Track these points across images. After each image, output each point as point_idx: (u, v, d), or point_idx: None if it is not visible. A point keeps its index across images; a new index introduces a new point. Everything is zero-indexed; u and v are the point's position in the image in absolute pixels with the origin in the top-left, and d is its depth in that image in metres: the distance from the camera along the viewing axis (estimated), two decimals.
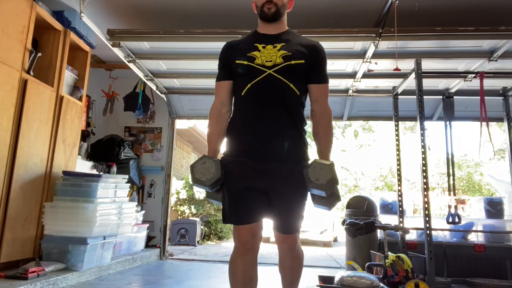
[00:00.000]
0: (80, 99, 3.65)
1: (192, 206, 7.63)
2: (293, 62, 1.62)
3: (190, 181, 1.64)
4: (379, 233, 3.68)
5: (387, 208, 4.32)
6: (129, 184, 3.80)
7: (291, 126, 1.63)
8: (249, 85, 1.61)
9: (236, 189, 1.59)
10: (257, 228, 1.60)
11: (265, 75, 1.59)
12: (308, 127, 2.00)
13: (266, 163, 1.59)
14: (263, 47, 1.65)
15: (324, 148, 1.68)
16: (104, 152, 4.54)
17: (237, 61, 1.65)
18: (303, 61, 1.63)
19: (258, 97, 1.61)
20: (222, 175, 1.59)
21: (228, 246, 6.80)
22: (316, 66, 1.70)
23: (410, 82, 3.40)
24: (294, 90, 1.63)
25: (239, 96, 1.66)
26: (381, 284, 2.75)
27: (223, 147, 1.76)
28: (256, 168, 1.59)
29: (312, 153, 1.67)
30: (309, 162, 1.65)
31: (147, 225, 4.63)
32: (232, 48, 1.73)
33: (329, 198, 1.60)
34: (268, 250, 6.20)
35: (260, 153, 1.60)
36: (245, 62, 1.63)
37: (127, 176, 3.66)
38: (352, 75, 3.89)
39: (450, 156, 3.66)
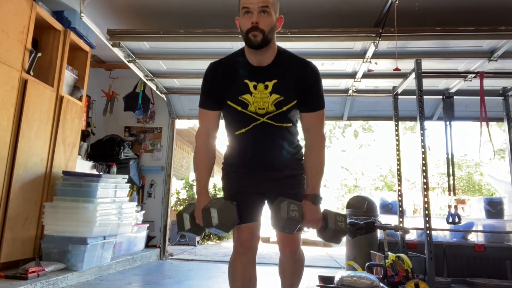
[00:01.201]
0: (80, 99, 3.65)
1: None
2: (285, 108, 1.56)
3: (212, 224, 1.48)
4: (379, 233, 3.68)
5: (387, 208, 4.32)
6: (129, 184, 3.80)
7: (285, 151, 1.67)
8: (243, 130, 1.62)
9: (235, 191, 1.66)
10: (255, 228, 1.63)
11: (259, 123, 1.59)
12: None
13: (263, 172, 1.67)
14: (254, 87, 1.55)
15: (310, 180, 1.60)
16: (104, 152, 4.54)
17: (229, 102, 1.59)
18: (295, 102, 1.58)
19: (252, 139, 1.63)
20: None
21: (228, 246, 6.80)
22: (308, 96, 1.58)
23: (410, 82, 3.40)
24: (287, 126, 1.63)
25: (233, 133, 1.66)
26: (381, 284, 2.75)
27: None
28: (255, 175, 1.67)
29: None
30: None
31: (147, 225, 4.63)
32: (220, 77, 1.59)
33: (324, 232, 1.56)
34: (268, 250, 6.20)
35: (257, 167, 1.67)
36: (239, 108, 1.57)
37: (127, 176, 3.66)
38: (352, 75, 3.90)
39: (450, 156, 3.66)
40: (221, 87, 1.59)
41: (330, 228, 1.53)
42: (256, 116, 1.57)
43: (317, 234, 1.62)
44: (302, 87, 1.56)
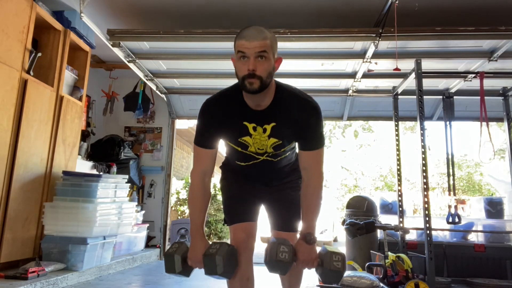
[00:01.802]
0: (80, 99, 3.65)
1: None
2: (282, 150, 1.57)
3: (217, 272, 1.44)
4: (379, 233, 3.68)
5: (387, 208, 4.32)
6: (129, 184, 3.80)
7: (284, 170, 1.70)
8: (242, 164, 1.64)
9: (233, 193, 1.69)
10: (251, 228, 1.64)
11: (258, 161, 1.60)
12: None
13: (261, 184, 1.72)
14: (254, 129, 1.50)
15: (305, 218, 1.54)
16: (104, 152, 4.53)
17: (229, 143, 1.59)
18: (293, 142, 1.58)
19: (252, 169, 1.65)
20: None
21: None
22: (307, 137, 1.52)
23: (410, 82, 3.40)
24: (286, 157, 1.65)
25: (232, 159, 1.67)
26: (381, 284, 2.75)
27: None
28: (254, 184, 1.71)
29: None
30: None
31: (147, 225, 4.63)
32: (218, 118, 1.52)
33: (320, 271, 1.49)
34: None
35: (257, 183, 1.72)
36: (239, 149, 1.57)
37: (127, 176, 3.66)
38: (352, 75, 3.89)
39: (450, 156, 3.66)
40: (219, 129, 1.55)
41: (326, 269, 1.44)
42: (255, 156, 1.58)
43: (316, 272, 1.55)
44: (301, 128, 1.50)
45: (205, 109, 1.55)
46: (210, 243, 1.51)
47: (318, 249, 1.53)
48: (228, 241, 1.62)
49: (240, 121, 1.50)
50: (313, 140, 1.53)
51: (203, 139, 1.56)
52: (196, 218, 1.56)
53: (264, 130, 1.50)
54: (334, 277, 1.46)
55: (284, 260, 1.40)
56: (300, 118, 1.49)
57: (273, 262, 1.40)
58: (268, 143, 1.52)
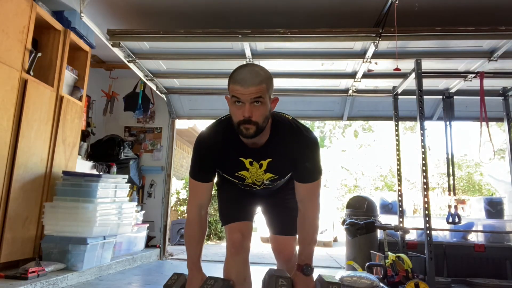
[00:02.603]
0: (80, 99, 3.65)
1: None
2: (278, 182, 1.61)
3: None
4: (379, 233, 3.68)
5: (387, 208, 4.32)
6: (129, 184, 3.80)
7: (282, 188, 1.73)
8: (241, 188, 1.68)
9: (229, 193, 1.70)
10: (246, 228, 1.65)
11: (255, 190, 1.65)
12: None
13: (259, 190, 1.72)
14: (250, 163, 1.51)
15: (303, 248, 1.54)
16: (104, 152, 4.54)
17: (226, 176, 1.61)
18: (289, 175, 1.60)
19: (250, 194, 1.70)
20: None
21: None
22: (304, 170, 1.51)
23: (410, 82, 3.40)
24: (283, 180, 1.66)
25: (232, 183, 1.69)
26: (381, 284, 2.75)
27: None
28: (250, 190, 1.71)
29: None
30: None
31: (147, 225, 4.63)
32: (213, 152, 1.52)
33: None
34: (268, 250, 6.18)
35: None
36: (236, 181, 1.61)
37: (127, 176, 3.66)
38: (352, 75, 3.89)
39: (450, 156, 3.66)
40: (215, 164, 1.56)
41: None
42: (253, 185, 1.62)
43: None
44: (297, 163, 1.50)
45: (200, 145, 1.53)
46: (207, 276, 1.51)
47: (314, 276, 1.53)
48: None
49: (236, 157, 1.50)
50: (310, 173, 1.52)
51: (199, 173, 1.55)
52: (193, 251, 1.56)
53: (261, 166, 1.51)
54: None
55: None
56: (297, 153, 1.48)
57: None
58: (264, 177, 1.54)
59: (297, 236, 1.73)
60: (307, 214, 1.54)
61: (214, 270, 3.97)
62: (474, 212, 4.49)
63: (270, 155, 1.49)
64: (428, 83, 3.80)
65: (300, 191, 1.54)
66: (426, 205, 2.89)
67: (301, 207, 1.55)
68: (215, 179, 1.70)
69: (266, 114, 1.38)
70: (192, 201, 1.57)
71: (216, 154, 1.51)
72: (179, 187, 7.82)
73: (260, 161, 1.49)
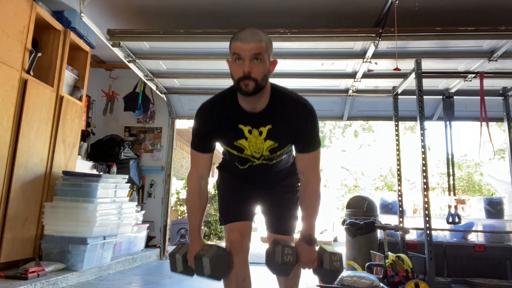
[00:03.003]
0: (80, 99, 3.65)
1: None
2: (278, 153, 1.57)
3: (204, 274, 1.44)
4: (379, 233, 3.68)
5: (387, 208, 4.32)
6: (129, 184, 3.80)
7: (281, 173, 1.71)
8: (239, 167, 1.64)
9: (228, 192, 1.69)
10: (245, 228, 1.64)
11: (254, 164, 1.60)
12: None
13: (258, 187, 1.72)
14: (249, 132, 1.51)
15: (304, 220, 1.56)
16: (104, 152, 4.53)
17: (224, 146, 1.60)
18: (289, 145, 1.57)
19: (249, 173, 1.65)
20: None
21: None
22: (303, 139, 1.53)
23: (410, 82, 3.40)
24: (283, 160, 1.65)
25: (230, 162, 1.68)
26: (381, 284, 2.75)
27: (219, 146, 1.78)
28: (249, 184, 1.70)
29: None
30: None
31: (147, 225, 4.63)
32: (213, 121, 1.53)
33: (320, 272, 1.51)
34: None
35: (254, 184, 1.72)
36: (235, 152, 1.57)
37: (127, 176, 3.66)
38: (352, 75, 3.89)
39: (450, 156, 3.66)
40: (215, 132, 1.55)
41: (325, 269, 1.47)
42: (252, 159, 1.59)
43: (313, 272, 1.56)
44: (297, 131, 1.51)
45: (200, 113, 1.55)
46: (205, 243, 1.53)
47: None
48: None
49: (236, 124, 1.51)
50: (309, 142, 1.53)
51: (199, 143, 1.57)
52: (193, 220, 1.58)
53: (260, 133, 1.50)
54: (333, 277, 1.49)
55: (289, 263, 1.41)
56: (296, 121, 1.49)
57: (279, 265, 1.41)
58: (264, 146, 1.53)
59: (293, 236, 1.73)
60: (309, 184, 1.55)
61: None
62: (474, 212, 4.49)
63: (269, 121, 1.49)
64: (428, 83, 3.80)
65: (301, 162, 1.56)
66: (426, 205, 2.89)
67: (303, 178, 1.57)
68: (215, 179, 1.72)
69: (265, 72, 1.41)
70: (193, 172, 1.59)
71: (216, 122, 1.52)
72: (179, 187, 7.82)
73: (260, 127, 1.50)
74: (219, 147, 1.68)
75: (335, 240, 8.90)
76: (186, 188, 1.65)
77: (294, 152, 1.64)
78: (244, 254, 1.63)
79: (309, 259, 1.48)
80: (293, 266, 1.43)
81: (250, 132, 1.50)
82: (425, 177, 2.97)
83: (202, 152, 1.57)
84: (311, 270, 1.52)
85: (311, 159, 1.55)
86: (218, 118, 1.52)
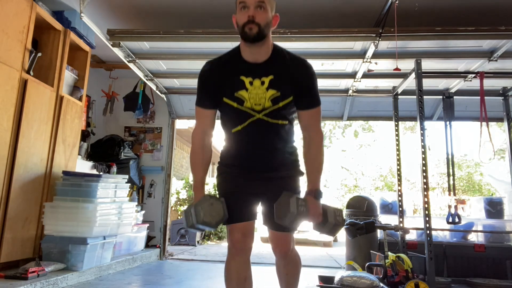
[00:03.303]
0: (80, 99, 3.65)
1: None
2: (281, 104, 1.57)
3: (193, 222, 1.51)
4: (379, 233, 3.68)
5: (387, 208, 4.32)
6: (129, 184, 3.80)
7: (281, 150, 1.68)
8: (239, 127, 1.62)
9: (229, 191, 1.66)
10: (248, 228, 1.63)
11: (255, 119, 1.59)
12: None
13: (257, 173, 1.67)
14: (250, 83, 1.55)
15: (310, 175, 1.63)
16: (104, 152, 4.54)
17: (224, 99, 1.59)
18: (291, 98, 1.58)
19: (248, 136, 1.63)
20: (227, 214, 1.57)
21: None
22: (305, 93, 1.60)
23: (410, 82, 3.40)
24: (283, 124, 1.64)
25: (229, 131, 1.66)
26: (381, 284, 2.75)
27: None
28: (249, 176, 1.67)
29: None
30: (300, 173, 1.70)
31: (147, 225, 4.63)
32: (216, 74, 1.61)
33: (324, 226, 1.60)
34: (268, 250, 6.18)
35: (252, 167, 1.68)
36: (234, 104, 1.57)
37: (127, 176, 3.66)
38: (352, 75, 3.89)
39: (450, 156, 3.66)
40: (217, 85, 1.60)
41: (330, 223, 1.58)
42: (252, 112, 1.58)
43: (315, 228, 1.64)
44: (298, 85, 1.58)
45: (204, 68, 1.66)
46: (204, 194, 1.60)
47: None
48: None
49: (237, 76, 1.57)
50: (311, 98, 1.62)
51: (202, 98, 1.64)
52: (196, 175, 1.65)
53: (262, 83, 1.56)
54: (335, 231, 1.62)
55: (303, 213, 1.49)
56: (298, 76, 1.58)
57: (294, 215, 1.48)
58: (266, 95, 1.56)
59: (293, 234, 1.73)
60: (313, 139, 1.64)
61: (214, 270, 3.98)
62: (474, 212, 4.49)
63: (272, 71, 1.56)
64: (428, 83, 3.80)
65: (303, 118, 1.64)
66: (426, 205, 2.89)
67: (306, 134, 1.65)
68: (215, 180, 1.70)
69: (267, 20, 1.53)
70: (197, 128, 1.67)
71: (218, 75, 1.60)
72: (179, 187, 7.82)
73: (262, 77, 1.56)
74: (219, 148, 1.67)
75: (335, 240, 8.90)
76: (191, 145, 1.70)
77: (295, 125, 1.68)
78: (246, 254, 1.63)
79: (316, 212, 1.57)
80: (305, 217, 1.51)
81: (251, 83, 1.56)
82: (425, 177, 2.97)
83: (205, 107, 1.64)
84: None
85: (313, 115, 1.64)
86: (220, 71, 1.61)
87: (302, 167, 1.73)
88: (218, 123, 1.72)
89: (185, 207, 7.74)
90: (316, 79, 1.64)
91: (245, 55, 1.58)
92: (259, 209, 1.73)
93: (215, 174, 1.85)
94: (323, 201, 1.64)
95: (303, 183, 1.70)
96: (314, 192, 1.59)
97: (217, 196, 1.67)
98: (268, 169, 1.66)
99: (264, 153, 1.65)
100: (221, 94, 1.60)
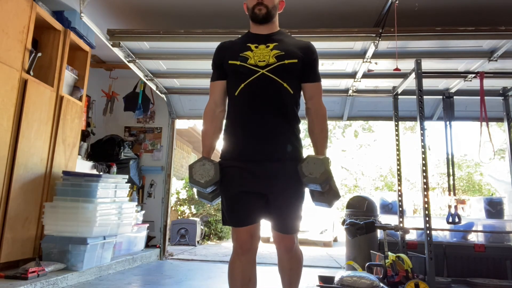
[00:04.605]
0: (80, 99, 3.65)
1: (192, 206, 7.63)
2: (286, 61, 1.61)
3: (192, 179, 1.59)
4: (379, 233, 3.68)
5: (387, 208, 4.32)
6: (129, 184, 3.80)
7: (286, 125, 1.64)
8: (242, 85, 1.61)
9: (233, 193, 1.61)
10: (254, 229, 1.62)
11: (258, 75, 1.59)
12: (304, 124, 1.99)
13: (261, 164, 1.59)
14: (256, 47, 1.66)
15: (320, 144, 1.71)
16: (104, 152, 4.54)
17: (229, 62, 1.65)
18: (296, 60, 1.63)
19: (251, 97, 1.61)
20: (219, 178, 1.60)
21: (228, 246, 6.80)
22: (309, 66, 1.70)
23: (410, 82, 3.40)
24: (287, 89, 1.63)
25: (233, 96, 1.66)
26: (381, 284, 2.75)
27: (219, 145, 1.76)
28: (252, 171, 1.59)
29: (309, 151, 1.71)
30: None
31: (147, 225, 4.63)
32: (225, 48, 1.74)
33: (327, 195, 1.63)
34: (268, 250, 6.20)
35: (256, 153, 1.60)
36: (238, 63, 1.63)
37: (127, 176, 3.66)
38: (352, 75, 3.90)
39: (450, 156, 3.66)
40: (226, 55, 1.70)
41: (334, 190, 1.64)
42: (255, 68, 1.61)
43: (317, 198, 1.66)
44: (302, 55, 1.67)
45: (217, 47, 1.78)
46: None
47: None
48: (231, 241, 1.62)
49: (244, 44, 1.69)
50: (315, 72, 1.73)
51: (214, 72, 1.76)
52: (205, 142, 1.72)
53: (267, 46, 1.66)
54: (336, 199, 1.66)
55: (331, 174, 1.60)
56: (302, 51, 1.68)
57: (329, 174, 1.57)
58: (270, 53, 1.63)
59: (297, 235, 1.72)
60: (318, 110, 1.73)
61: (215, 270, 3.98)
62: (474, 212, 4.49)
63: (277, 40, 1.69)
64: (428, 83, 3.80)
65: (308, 90, 1.74)
66: (426, 205, 2.89)
67: (312, 105, 1.74)
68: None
69: (275, 3, 1.70)
70: (210, 101, 1.75)
71: (229, 47, 1.73)
72: (179, 187, 7.82)
73: (268, 43, 1.67)
74: (219, 148, 1.67)
75: (335, 240, 8.91)
76: (202, 118, 1.77)
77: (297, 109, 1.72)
78: (252, 255, 1.63)
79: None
80: (332, 178, 1.61)
81: (256, 47, 1.67)
82: (425, 177, 2.97)
83: (216, 79, 1.74)
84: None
85: (316, 88, 1.74)
86: (232, 44, 1.75)
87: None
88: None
89: (185, 207, 7.74)
90: (318, 59, 1.75)
91: (253, 31, 1.74)
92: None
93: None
94: None
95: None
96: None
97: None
98: (271, 155, 1.60)
99: (269, 122, 1.60)
100: (228, 59, 1.68)
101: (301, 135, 1.74)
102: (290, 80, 1.64)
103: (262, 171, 1.59)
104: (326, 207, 1.68)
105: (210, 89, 1.77)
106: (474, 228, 3.93)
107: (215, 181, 1.58)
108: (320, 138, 1.71)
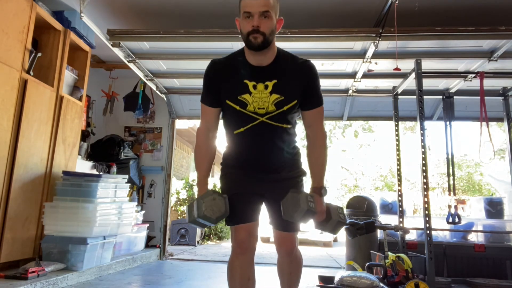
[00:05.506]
0: (80, 99, 3.65)
1: None
2: (285, 108, 1.58)
3: (194, 216, 1.52)
4: (379, 233, 3.68)
5: (387, 208, 4.32)
6: (129, 184, 3.80)
7: (284, 152, 1.68)
8: (242, 129, 1.62)
9: (233, 192, 1.66)
10: (252, 228, 1.64)
11: (258, 122, 1.59)
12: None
13: (262, 171, 1.67)
14: (254, 87, 1.56)
15: (316, 172, 1.66)
16: (104, 152, 4.53)
17: (227, 101, 1.60)
18: (295, 102, 1.59)
19: (251, 139, 1.64)
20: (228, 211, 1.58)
21: (228, 246, 6.80)
22: (310, 94, 1.63)
23: (410, 82, 3.40)
24: (286, 127, 1.64)
25: (231, 132, 1.66)
26: (381, 284, 2.75)
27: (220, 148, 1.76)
28: (253, 177, 1.67)
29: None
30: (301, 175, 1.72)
31: (147, 225, 4.63)
32: (220, 76, 1.62)
33: (326, 223, 1.63)
34: (268, 250, 6.20)
35: (256, 169, 1.68)
36: (237, 107, 1.58)
37: (127, 176, 3.66)
38: (352, 75, 3.89)
39: (450, 156, 3.66)
40: (220, 86, 1.61)
41: (334, 220, 1.61)
42: (255, 116, 1.58)
43: (318, 226, 1.66)
44: (302, 86, 1.60)
45: (209, 67, 1.68)
46: (207, 190, 1.62)
47: None
48: (229, 242, 1.62)
49: (241, 79, 1.58)
50: (314, 97, 1.65)
51: (207, 96, 1.67)
52: (200, 171, 1.68)
53: (266, 87, 1.57)
54: (338, 228, 1.65)
55: (312, 210, 1.51)
56: (302, 78, 1.60)
57: (304, 211, 1.49)
58: (270, 99, 1.57)
59: (297, 234, 1.73)
60: (316, 137, 1.68)
61: (215, 270, 3.98)
62: (474, 212, 4.49)
63: (275, 75, 1.58)
64: (428, 83, 3.80)
65: (307, 117, 1.68)
66: (426, 205, 2.89)
67: (310, 132, 1.69)
68: (218, 181, 1.71)
69: (272, 28, 1.54)
70: (201, 124, 1.70)
71: (223, 75, 1.62)
72: (179, 187, 7.82)
73: (266, 81, 1.57)
74: (220, 149, 1.67)
75: (335, 240, 8.91)
76: (195, 141, 1.72)
77: (296, 130, 1.71)
78: (250, 254, 1.64)
79: (321, 209, 1.60)
80: (314, 214, 1.53)
81: (254, 87, 1.57)
82: (425, 177, 2.97)
83: (209, 105, 1.66)
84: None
85: (316, 114, 1.67)
86: (225, 72, 1.62)
87: (305, 168, 1.73)
88: (221, 123, 1.73)
89: (185, 207, 7.73)
90: (319, 78, 1.66)
91: (249, 59, 1.60)
92: (263, 209, 1.73)
93: (217, 175, 1.85)
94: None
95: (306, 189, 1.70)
96: (319, 189, 1.62)
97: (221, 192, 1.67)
98: (271, 171, 1.67)
99: (267, 155, 1.65)
100: (224, 96, 1.61)
101: (299, 137, 1.77)
102: (289, 119, 1.64)
103: (261, 177, 1.67)
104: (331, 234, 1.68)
105: (201, 110, 1.69)
106: (474, 228, 3.93)
107: (226, 215, 1.57)
108: (316, 167, 1.67)
